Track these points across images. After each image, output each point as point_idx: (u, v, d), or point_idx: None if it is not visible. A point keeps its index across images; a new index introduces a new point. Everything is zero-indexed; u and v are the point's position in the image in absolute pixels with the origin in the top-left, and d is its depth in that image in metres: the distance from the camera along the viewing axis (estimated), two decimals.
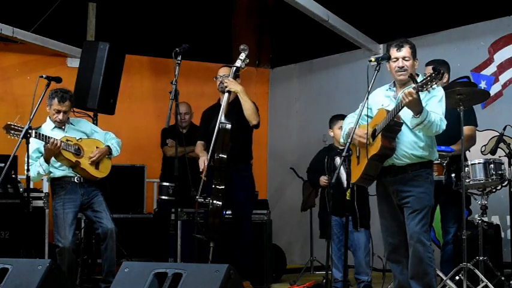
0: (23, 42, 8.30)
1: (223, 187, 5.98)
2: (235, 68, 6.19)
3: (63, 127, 6.10)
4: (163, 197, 7.37)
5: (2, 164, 6.04)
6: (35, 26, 8.21)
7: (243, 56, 6.18)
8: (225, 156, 5.96)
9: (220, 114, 6.04)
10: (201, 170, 6.11)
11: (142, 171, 8.08)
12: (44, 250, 6.66)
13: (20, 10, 8.39)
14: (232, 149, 5.99)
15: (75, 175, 6.03)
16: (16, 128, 5.69)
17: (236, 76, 6.22)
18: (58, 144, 5.83)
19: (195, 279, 3.67)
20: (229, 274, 3.63)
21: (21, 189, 6.79)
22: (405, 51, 4.77)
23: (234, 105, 6.20)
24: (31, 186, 6.15)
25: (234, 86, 6.16)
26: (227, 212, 6.13)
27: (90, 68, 7.15)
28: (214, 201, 5.95)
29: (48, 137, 5.83)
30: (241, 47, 6.23)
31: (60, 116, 6.03)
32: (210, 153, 6.04)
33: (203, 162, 6.12)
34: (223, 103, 6.11)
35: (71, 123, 6.18)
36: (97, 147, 6.10)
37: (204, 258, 5.95)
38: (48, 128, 6.09)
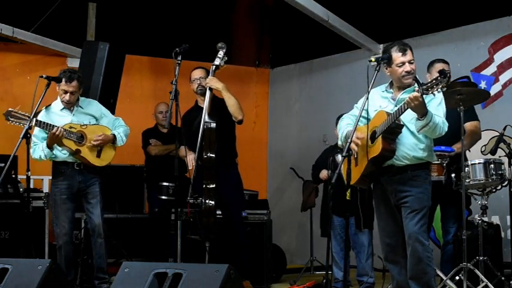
0: (23, 42, 8.30)
1: (214, 186, 5.96)
2: (214, 66, 6.16)
3: (71, 109, 6.07)
4: (163, 197, 7.38)
5: (2, 164, 6.04)
6: (35, 26, 8.21)
7: (221, 54, 6.13)
8: (214, 155, 5.95)
9: (203, 114, 6.01)
10: (190, 168, 6.10)
11: (142, 171, 8.07)
12: (44, 250, 6.67)
13: (20, 10, 8.39)
14: (218, 148, 5.98)
15: (75, 161, 6.02)
16: (16, 115, 5.70)
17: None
18: (59, 134, 5.80)
19: (195, 279, 3.67)
20: (229, 274, 3.63)
21: (21, 189, 6.79)
22: (409, 54, 4.73)
23: (215, 104, 6.18)
24: (31, 186, 6.16)
25: (216, 84, 6.14)
26: (217, 212, 6.11)
27: (90, 68, 7.15)
28: (207, 201, 5.93)
29: (51, 125, 5.82)
30: (219, 44, 6.18)
31: (67, 97, 5.99)
32: (197, 153, 6.02)
33: (191, 160, 6.11)
34: (206, 102, 6.07)
35: (80, 106, 6.11)
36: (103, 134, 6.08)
37: (200, 259, 5.95)
38: (57, 108, 6.08)
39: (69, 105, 6.05)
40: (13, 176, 6.85)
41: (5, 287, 4.03)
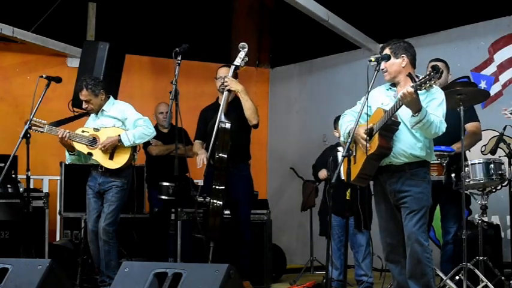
0: (23, 42, 8.30)
1: (223, 187, 5.97)
2: (234, 66, 6.17)
3: (97, 113, 6.20)
4: (163, 197, 7.38)
5: (2, 164, 6.05)
6: (35, 26, 8.22)
7: (242, 54, 6.15)
8: (226, 156, 5.95)
9: (219, 114, 6.02)
10: (199, 166, 6.10)
11: (142, 171, 8.07)
12: (44, 250, 6.67)
13: (20, 10, 8.40)
14: (231, 149, 5.98)
15: (98, 163, 6.08)
16: (34, 123, 5.83)
17: (235, 75, 6.21)
18: (64, 137, 5.92)
19: (195, 279, 3.67)
20: (229, 274, 3.63)
21: (21, 189, 6.79)
22: (385, 52, 4.78)
23: (233, 104, 6.20)
24: (31, 186, 6.17)
25: (235, 85, 6.15)
26: (225, 212, 6.12)
27: (90, 68, 7.15)
28: (215, 201, 5.94)
29: (58, 129, 5.97)
30: (241, 45, 6.19)
31: (84, 105, 6.18)
32: (209, 153, 6.03)
33: (202, 159, 6.11)
34: (223, 102, 6.09)
35: (103, 110, 6.18)
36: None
37: (203, 258, 5.95)
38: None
39: (92, 111, 6.20)
40: (13, 176, 6.85)
41: (5, 287, 4.02)
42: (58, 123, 6.64)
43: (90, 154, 6.04)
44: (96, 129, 6.08)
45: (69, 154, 6.15)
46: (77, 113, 7.29)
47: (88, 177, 6.23)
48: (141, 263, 4.14)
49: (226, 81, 6.13)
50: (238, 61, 6.16)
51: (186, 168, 6.80)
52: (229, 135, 5.96)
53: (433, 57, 6.17)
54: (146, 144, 7.82)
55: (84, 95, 6.10)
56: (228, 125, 5.96)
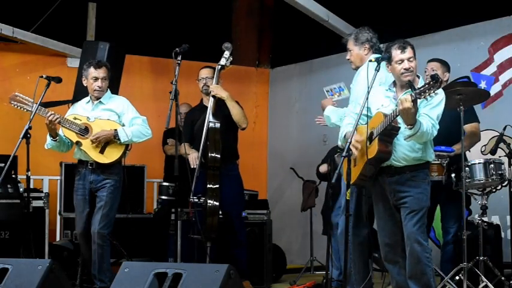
0: (23, 42, 8.30)
1: (217, 186, 5.97)
2: (220, 66, 6.18)
3: (93, 103, 5.98)
4: (163, 197, 7.37)
5: (2, 164, 6.04)
6: (35, 26, 8.22)
7: (227, 54, 6.16)
8: (219, 155, 5.96)
9: (207, 114, 6.04)
10: (193, 166, 6.09)
11: (142, 171, 8.07)
12: (44, 250, 6.67)
13: (20, 10, 8.40)
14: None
15: (89, 159, 5.85)
16: (20, 99, 5.73)
17: (217, 76, 6.20)
18: (52, 119, 5.71)
19: (195, 279, 3.67)
20: (229, 274, 3.64)
21: (21, 189, 6.78)
22: (409, 52, 4.70)
23: (219, 104, 6.20)
24: (31, 186, 6.16)
25: (220, 93, 6.18)
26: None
27: None
28: (211, 201, 5.94)
29: (48, 111, 5.74)
30: (225, 45, 6.19)
31: (99, 83, 5.91)
32: (200, 153, 6.03)
33: (194, 159, 6.11)
34: (210, 104, 6.11)
35: (101, 102, 5.98)
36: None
37: (201, 258, 5.95)
38: (83, 101, 6.09)
39: (101, 94, 5.94)
40: (13, 176, 6.85)
41: (5, 287, 4.02)
42: (44, 106, 6.45)
43: (78, 143, 5.82)
44: (89, 119, 5.90)
45: (51, 139, 5.87)
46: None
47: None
48: (141, 263, 4.14)
49: (211, 89, 6.15)
50: (223, 61, 6.17)
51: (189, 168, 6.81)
52: (220, 134, 5.97)
53: (433, 57, 6.17)
54: (164, 144, 7.82)
55: (104, 71, 5.94)
56: (217, 125, 5.99)
